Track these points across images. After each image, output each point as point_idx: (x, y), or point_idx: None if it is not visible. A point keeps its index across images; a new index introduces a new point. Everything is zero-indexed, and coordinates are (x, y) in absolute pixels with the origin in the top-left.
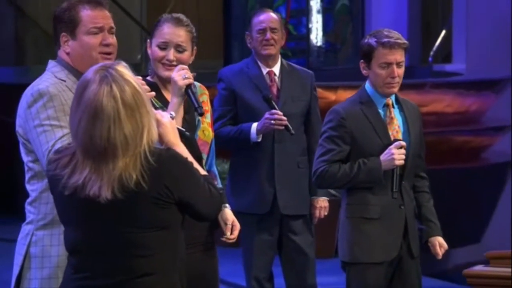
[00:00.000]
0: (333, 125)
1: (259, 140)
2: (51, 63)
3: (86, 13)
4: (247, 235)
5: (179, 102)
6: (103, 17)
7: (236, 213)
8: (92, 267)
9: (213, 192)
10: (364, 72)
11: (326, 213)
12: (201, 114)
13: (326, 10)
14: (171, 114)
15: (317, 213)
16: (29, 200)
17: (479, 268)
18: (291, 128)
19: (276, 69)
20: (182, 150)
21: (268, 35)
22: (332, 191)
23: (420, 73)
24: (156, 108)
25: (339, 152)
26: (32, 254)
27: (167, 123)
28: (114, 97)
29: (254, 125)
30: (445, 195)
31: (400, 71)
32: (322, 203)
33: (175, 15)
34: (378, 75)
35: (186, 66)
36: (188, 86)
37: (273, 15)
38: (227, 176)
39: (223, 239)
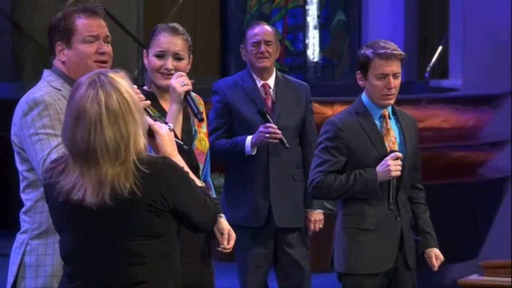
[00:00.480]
0: (329, 136)
1: (254, 153)
2: (46, 72)
3: (82, 22)
4: (242, 248)
5: (178, 108)
6: (98, 25)
7: (231, 226)
8: (86, 275)
9: (209, 203)
10: (360, 83)
11: (321, 226)
12: (201, 120)
13: (323, 26)
14: (169, 126)
15: (312, 226)
16: (23, 209)
17: (474, 278)
18: (285, 141)
19: (271, 81)
20: (179, 161)
21: (263, 48)
22: (328, 205)
23: (416, 89)
24: (152, 118)
25: (335, 163)
26: (27, 263)
27: (165, 134)
28: (98, 101)
29: (249, 138)
30: (442, 211)
31: (396, 83)
32: (317, 216)
33: (171, 24)
34: (375, 86)
35: (184, 73)
36: (187, 92)
37: (267, 27)
38: (222, 190)
39: (219, 249)
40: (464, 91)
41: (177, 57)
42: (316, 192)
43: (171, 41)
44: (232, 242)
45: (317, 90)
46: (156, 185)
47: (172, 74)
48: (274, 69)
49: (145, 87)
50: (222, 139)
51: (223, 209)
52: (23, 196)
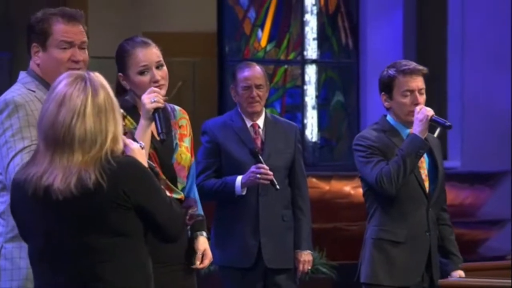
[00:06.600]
0: (364, 148)
1: (244, 193)
2: (22, 74)
3: (59, 27)
4: None
5: (147, 124)
6: (76, 32)
7: (220, 266)
8: (56, 272)
9: (175, 207)
10: (386, 104)
11: (309, 267)
12: (162, 141)
13: (321, 106)
14: (140, 144)
15: (301, 266)
16: None
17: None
18: (276, 183)
19: (260, 122)
20: None
21: (254, 92)
22: (323, 269)
23: None
24: (124, 132)
25: (381, 159)
26: (2, 267)
27: (136, 149)
28: (85, 93)
29: (239, 178)
30: None
31: (422, 99)
32: (306, 256)
33: (137, 39)
34: (402, 104)
35: (157, 89)
36: (156, 109)
37: (258, 70)
38: (211, 230)
39: (193, 266)
40: (461, 170)
41: (158, 66)
42: (381, 184)
43: (148, 53)
44: (206, 262)
45: (316, 170)
46: (119, 180)
47: (162, 84)
48: (264, 109)
49: (127, 97)
50: (211, 179)
51: (212, 250)
52: None
